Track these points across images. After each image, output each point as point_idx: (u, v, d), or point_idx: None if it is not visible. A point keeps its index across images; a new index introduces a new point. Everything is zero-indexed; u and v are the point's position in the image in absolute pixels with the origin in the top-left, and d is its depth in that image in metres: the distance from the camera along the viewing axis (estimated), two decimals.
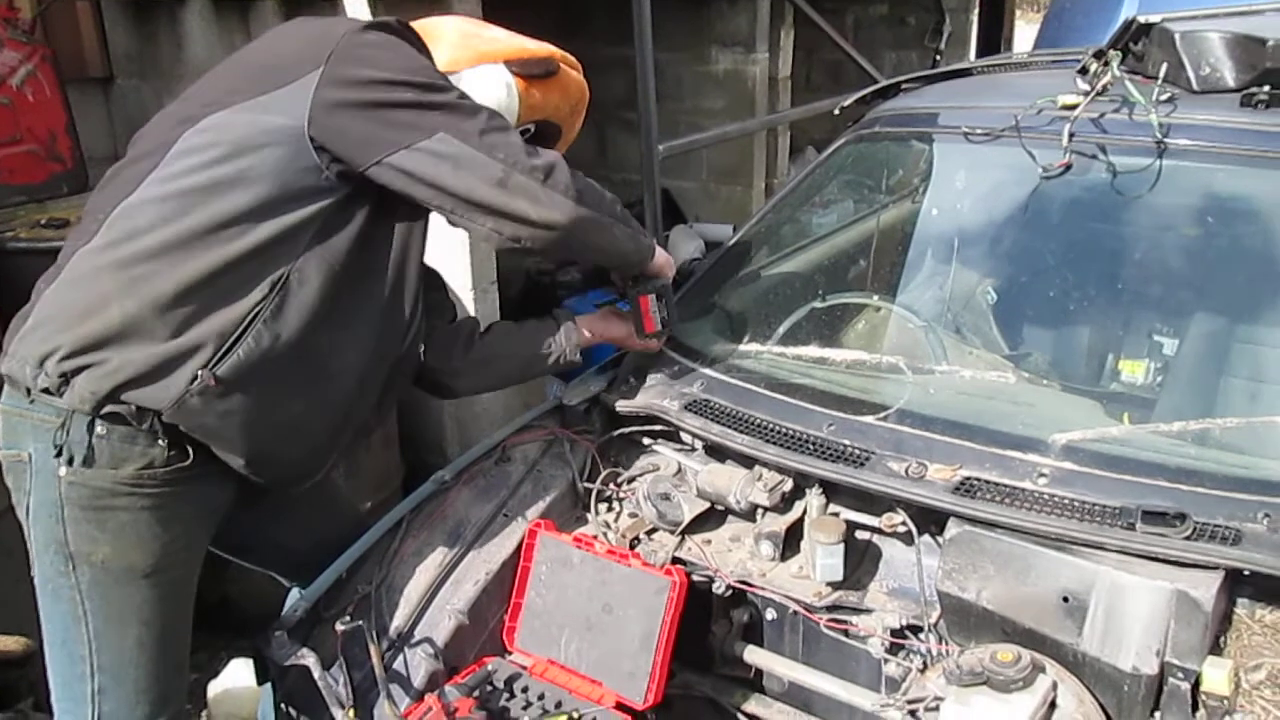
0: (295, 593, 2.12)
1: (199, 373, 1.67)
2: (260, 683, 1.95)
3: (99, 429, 1.68)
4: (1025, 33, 7.87)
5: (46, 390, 1.68)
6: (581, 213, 1.81)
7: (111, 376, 1.66)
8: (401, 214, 1.84)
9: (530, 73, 1.98)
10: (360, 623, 1.82)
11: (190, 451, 1.74)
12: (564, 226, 1.80)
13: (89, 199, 1.82)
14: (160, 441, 1.71)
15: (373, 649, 1.81)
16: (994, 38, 6.98)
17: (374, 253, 1.82)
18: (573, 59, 2.09)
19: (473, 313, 3.71)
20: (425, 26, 1.95)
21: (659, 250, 2.12)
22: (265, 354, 1.71)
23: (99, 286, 1.67)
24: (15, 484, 1.77)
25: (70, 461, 1.69)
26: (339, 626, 1.80)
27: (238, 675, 2.85)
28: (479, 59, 1.95)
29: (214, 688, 2.89)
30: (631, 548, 2.03)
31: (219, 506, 1.88)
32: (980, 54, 7.01)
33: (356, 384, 1.88)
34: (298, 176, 1.69)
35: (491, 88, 1.94)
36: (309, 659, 1.79)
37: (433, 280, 2.10)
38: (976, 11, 7.23)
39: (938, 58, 6.92)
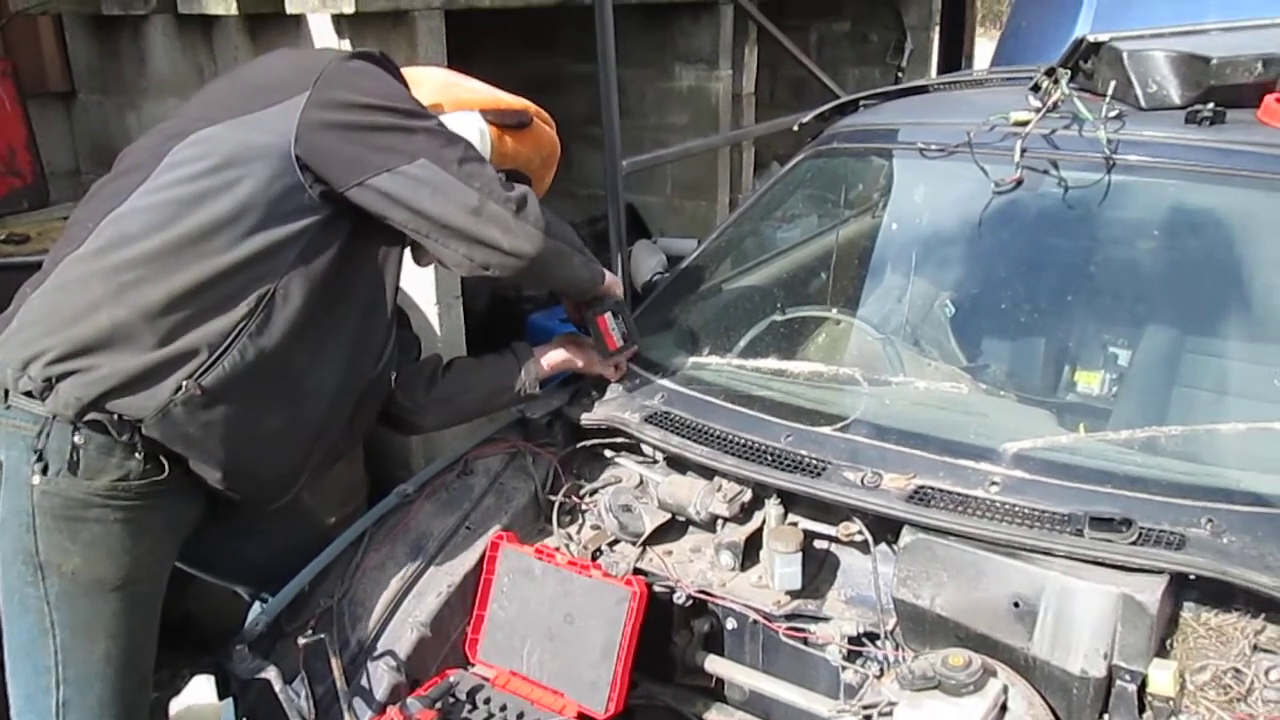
0: (257, 607, 2.12)
1: (184, 383, 1.69)
2: (222, 698, 1.95)
3: (77, 438, 1.69)
4: (986, 49, 7.97)
5: (29, 394, 1.68)
6: (549, 244, 1.88)
7: (98, 384, 1.67)
8: (380, 239, 1.89)
9: (504, 122, 2.04)
10: (322, 636, 1.83)
11: (165, 465, 1.76)
12: (532, 256, 1.86)
13: (73, 212, 1.85)
14: (137, 454, 1.72)
15: (334, 662, 1.81)
16: (955, 55, 7.08)
17: (353, 275, 1.86)
18: (546, 114, 2.15)
19: (437, 327, 3.72)
20: (407, 74, 1.99)
21: (606, 272, 2.17)
22: (248, 367, 1.74)
23: (88, 293, 1.68)
24: None
25: (45, 470, 1.69)
26: (301, 640, 1.81)
27: (199, 691, 2.81)
28: (457, 105, 2.01)
29: (176, 705, 2.85)
30: (593, 559, 2.05)
31: (189, 522, 1.89)
32: (942, 71, 7.11)
33: (329, 403, 1.90)
34: (283, 194, 1.73)
35: (466, 133, 1.98)
36: (271, 673, 1.79)
37: (400, 317, 2.14)
38: (937, 29, 7.33)
39: (900, 74, 7.01)
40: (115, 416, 1.69)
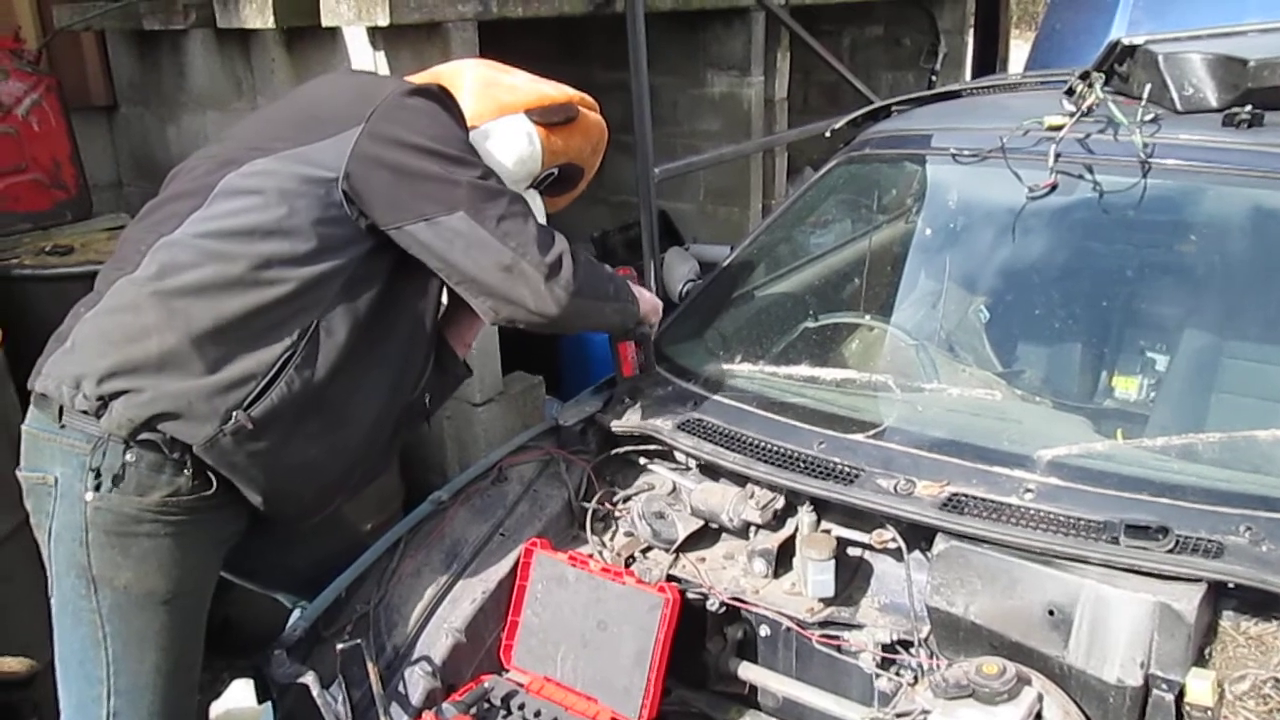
0: (297, 613, 2.15)
1: (235, 414, 1.72)
2: (261, 702, 1.98)
3: (129, 456, 1.72)
4: (1021, 52, 7.91)
5: (85, 412, 1.72)
6: (576, 305, 1.87)
7: (149, 405, 1.70)
8: (423, 269, 1.89)
9: (551, 120, 2.03)
10: (359, 641, 1.85)
11: (213, 481, 1.79)
12: (557, 319, 1.86)
13: (126, 229, 1.88)
14: (186, 471, 1.76)
15: (371, 668, 1.83)
16: (989, 58, 7.03)
17: (396, 305, 1.89)
18: (590, 99, 2.14)
19: None
20: (445, 74, 2.00)
21: (645, 298, 2.15)
22: (295, 398, 1.76)
23: (140, 316, 1.72)
24: (37, 506, 1.80)
25: (98, 487, 1.73)
26: (338, 645, 1.83)
27: (239, 695, 2.86)
28: (501, 110, 2.00)
29: (216, 708, 2.90)
30: (626, 566, 2.06)
31: (235, 534, 1.92)
32: (976, 75, 7.05)
33: (370, 429, 1.93)
34: (332, 225, 1.76)
35: (515, 138, 2.00)
36: (309, 678, 1.81)
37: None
38: (971, 32, 7.28)
39: (933, 78, 6.96)
40: (167, 436, 1.72)
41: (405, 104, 1.79)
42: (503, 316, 1.86)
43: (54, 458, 1.76)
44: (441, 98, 1.87)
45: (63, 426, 1.74)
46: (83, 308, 1.80)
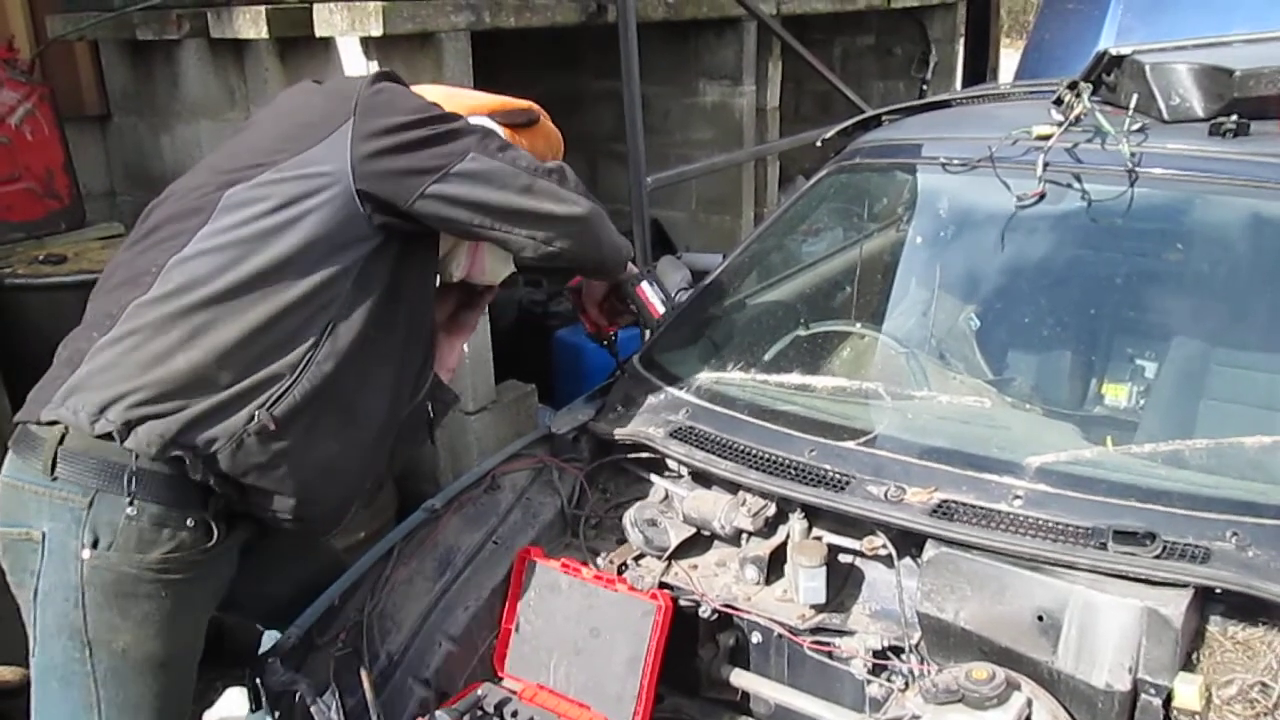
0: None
1: (256, 413, 1.73)
2: (254, 710, 1.97)
3: (130, 510, 1.68)
4: (1011, 61, 7.95)
5: (106, 436, 1.68)
6: (593, 205, 1.96)
7: (176, 423, 1.70)
8: (419, 264, 1.94)
9: (515, 122, 2.10)
10: (352, 649, 1.86)
11: (214, 530, 1.77)
12: (585, 218, 1.94)
13: (119, 255, 1.87)
14: (189, 523, 1.74)
15: (365, 675, 1.84)
16: (980, 68, 7.06)
17: (398, 300, 1.90)
18: (545, 112, 2.21)
19: (464, 344, 3.74)
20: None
21: None
22: (314, 395, 1.78)
23: (164, 337, 1.71)
24: (17, 564, 1.74)
25: (95, 544, 1.68)
26: (332, 653, 1.84)
27: (232, 704, 2.86)
28: (468, 112, 2.04)
29: (210, 716, 2.90)
30: (619, 573, 2.07)
31: (228, 580, 1.92)
32: (966, 84, 7.09)
33: (378, 430, 1.94)
34: (342, 225, 1.78)
35: None
36: (302, 686, 1.82)
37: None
38: (962, 42, 7.32)
39: (924, 88, 7.00)
40: (192, 455, 1.71)
41: (378, 91, 1.85)
42: (541, 240, 1.90)
43: (40, 511, 1.71)
44: (399, 78, 1.95)
45: (54, 479, 1.69)
46: (96, 333, 1.75)
